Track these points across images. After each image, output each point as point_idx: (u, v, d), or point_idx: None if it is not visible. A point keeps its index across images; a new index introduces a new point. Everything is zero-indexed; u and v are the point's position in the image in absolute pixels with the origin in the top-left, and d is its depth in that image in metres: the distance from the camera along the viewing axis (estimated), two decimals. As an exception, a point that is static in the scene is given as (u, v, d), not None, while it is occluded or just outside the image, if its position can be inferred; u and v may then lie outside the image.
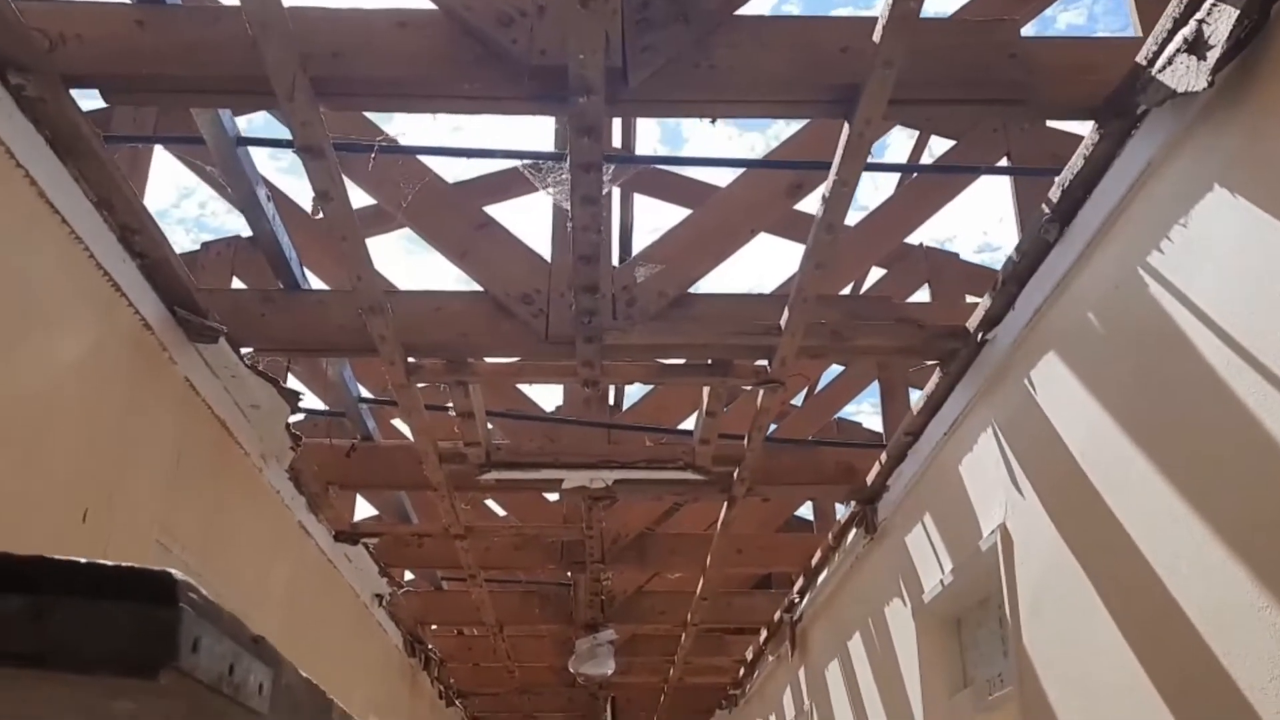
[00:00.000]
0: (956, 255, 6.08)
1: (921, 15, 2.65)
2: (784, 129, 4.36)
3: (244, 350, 4.15)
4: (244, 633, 0.97)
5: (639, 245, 4.67)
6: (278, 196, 4.61)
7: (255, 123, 4.11)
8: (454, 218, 4.35)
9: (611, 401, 6.18)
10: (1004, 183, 4.70)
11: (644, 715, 12.73)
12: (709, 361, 4.45)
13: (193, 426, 4.09)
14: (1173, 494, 2.77)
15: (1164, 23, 2.66)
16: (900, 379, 6.26)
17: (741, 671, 10.35)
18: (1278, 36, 2.32)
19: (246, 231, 4.64)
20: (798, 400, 7.35)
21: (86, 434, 3.29)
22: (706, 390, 4.75)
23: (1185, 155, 2.72)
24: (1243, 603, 2.45)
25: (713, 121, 3.20)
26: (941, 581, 4.67)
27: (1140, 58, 2.76)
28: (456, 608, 8.60)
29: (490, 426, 5.35)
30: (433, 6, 3.11)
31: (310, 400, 5.71)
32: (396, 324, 3.99)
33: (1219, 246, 2.59)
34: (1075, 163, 3.14)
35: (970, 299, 5.43)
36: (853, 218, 4.08)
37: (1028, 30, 3.79)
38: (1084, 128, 3.17)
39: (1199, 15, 2.51)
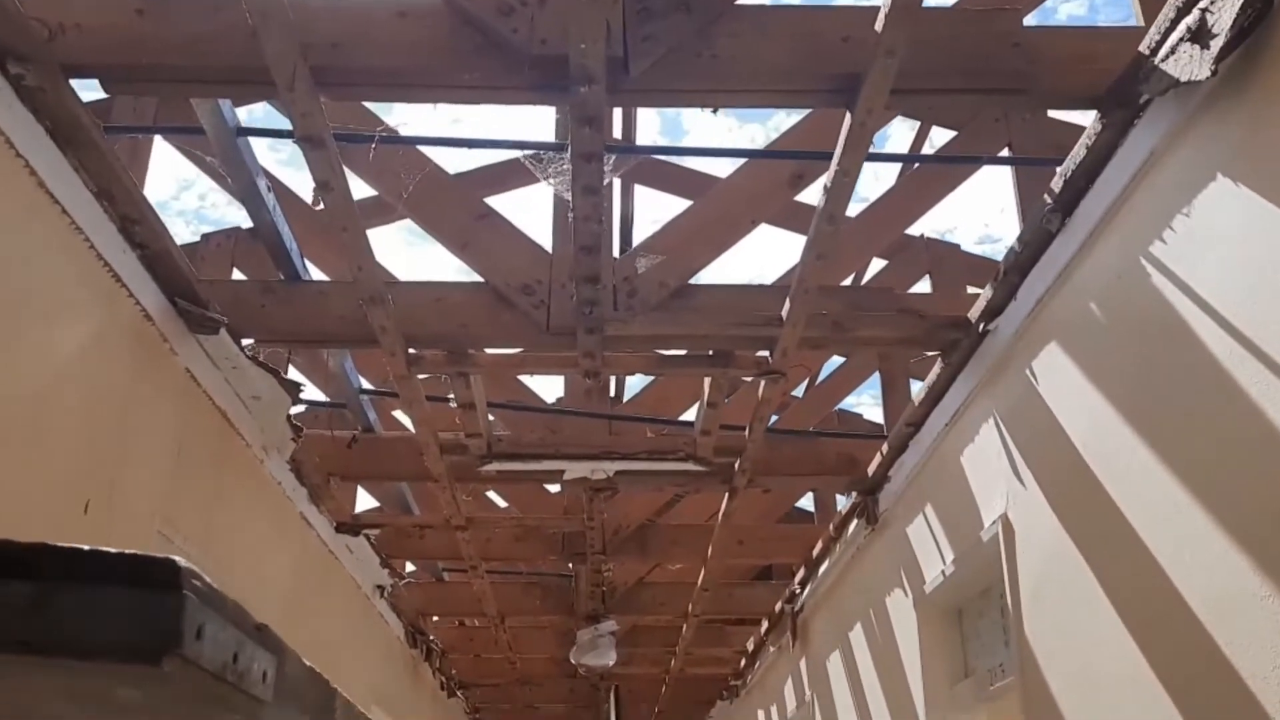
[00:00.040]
0: (958, 246, 6.08)
1: (923, 4, 2.64)
2: (785, 120, 4.35)
3: (245, 341, 4.15)
4: (248, 620, 0.97)
5: (640, 236, 4.66)
6: (278, 187, 4.60)
7: (255, 114, 4.10)
8: (455, 208, 4.34)
9: (612, 393, 6.18)
10: (1005, 174, 4.69)
11: (645, 706, 12.75)
12: (710, 352, 4.45)
13: (194, 418, 4.09)
14: (1175, 484, 2.77)
15: (1167, 11, 2.65)
16: (901, 370, 6.26)
17: (743, 662, 10.36)
18: (1281, 25, 2.32)
19: (247, 223, 4.64)
20: (799, 392, 7.35)
21: (87, 425, 3.29)
22: (707, 381, 4.75)
23: (1188, 145, 2.71)
24: (1245, 592, 2.45)
25: (714, 111, 3.19)
26: (943, 572, 4.67)
27: (1143, 47, 2.76)
28: (458, 599, 8.61)
29: (491, 418, 5.35)
30: (433, -4, 3.11)
31: (311, 392, 5.72)
32: (397, 315, 3.98)
33: (1222, 236, 2.58)
34: (1077, 152, 3.13)
35: (971, 290, 5.42)
36: (854, 209, 4.06)
37: (1029, 20, 3.77)
38: (1086, 118, 3.17)
39: (1202, 4, 2.50)
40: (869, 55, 2.77)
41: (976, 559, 4.30)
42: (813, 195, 4.29)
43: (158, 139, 4.52)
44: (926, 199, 4.91)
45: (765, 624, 8.93)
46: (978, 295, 4.08)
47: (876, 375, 6.53)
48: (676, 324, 4.19)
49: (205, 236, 5.22)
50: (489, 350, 4.50)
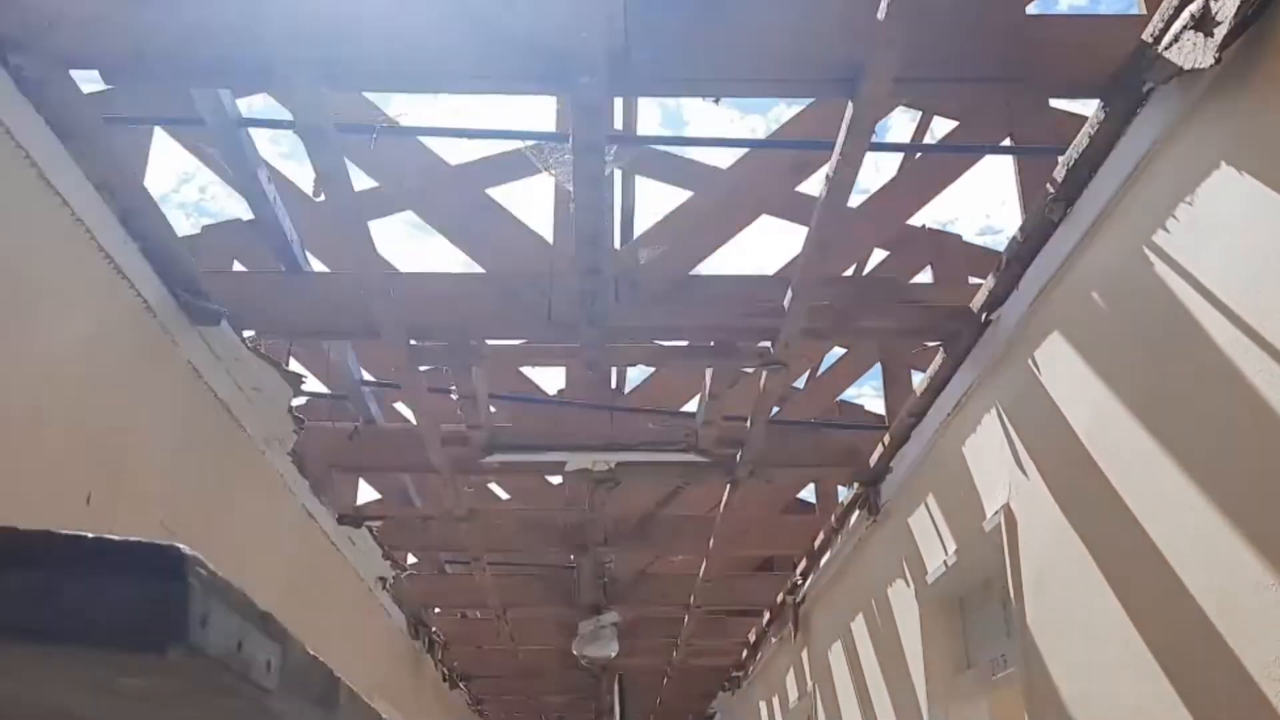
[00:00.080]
0: (959, 237, 6.06)
1: (926, -7, 2.63)
2: (786, 111, 4.33)
3: (246, 333, 4.15)
4: (252, 609, 0.97)
5: (641, 227, 4.66)
6: (279, 179, 4.60)
7: (255, 105, 4.09)
8: (456, 200, 4.34)
9: (614, 384, 6.17)
10: (1005, 166, 4.68)
11: (647, 698, 12.77)
12: (712, 343, 4.44)
13: (195, 409, 4.09)
14: (1178, 473, 2.77)
15: (1170, -1, 2.65)
16: (903, 361, 6.26)
17: (744, 654, 10.38)
18: (1286, 12, 2.31)
19: (248, 215, 4.64)
20: (800, 383, 7.35)
21: (89, 417, 3.28)
22: (709, 372, 4.74)
23: (1191, 133, 2.70)
24: (1248, 582, 2.44)
25: (716, 101, 3.18)
26: (945, 562, 4.67)
27: (1146, 35, 2.75)
28: (460, 591, 8.62)
29: (493, 409, 5.35)
30: (434, -14, 3.09)
31: (313, 383, 5.71)
32: (399, 307, 3.98)
33: (1226, 225, 2.57)
34: (1080, 141, 3.12)
35: (973, 281, 5.41)
36: (855, 200, 4.06)
37: (1031, 9, 3.76)
38: (1088, 108, 3.16)
39: (1206, -9, 2.49)
40: (871, 44, 2.76)
41: (979, 549, 4.30)
42: (814, 186, 4.29)
43: (158, 131, 4.51)
44: (928, 189, 4.91)
45: (767, 615, 8.94)
46: (980, 286, 4.08)
47: (878, 367, 6.53)
48: (678, 315, 4.19)
49: (206, 228, 5.22)
50: (490, 341, 4.49)
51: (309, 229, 4.76)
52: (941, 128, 5.46)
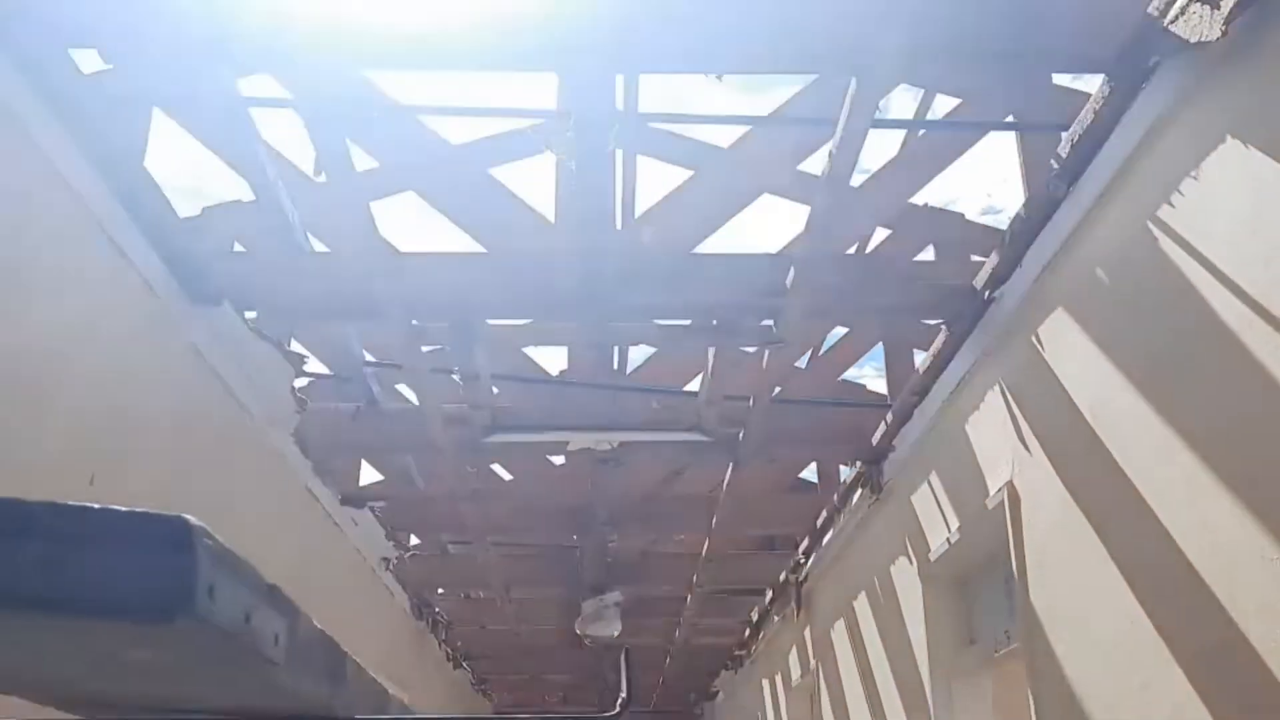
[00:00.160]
0: (961, 215, 6.03)
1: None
2: (788, 90, 4.31)
3: (248, 314, 4.14)
4: (259, 581, 0.97)
5: (643, 207, 4.64)
6: (280, 160, 4.58)
7: (256, 85, 4.06)
8: (458, 180, 4.32)
9: (616, 364, 6.16)
10: (1006, 146, 4.65)
11: (650, 677, 12.80)
12: (714, 322, 4.43)
13: (198, 390, 4.09)
14: (1183, 448, 2.76)
15: (1177, -28, 2.62)
16: (905, 340, 6.24)
17: (747, 633, 10.40)
18: (1293, -16, 2.29)
19: (249, 196, 4.61)
20: (802, 363, 7.33)
21: (92, 397, 3.28)
22: (712, 351, 4.74)
23: (1197, 107, 2.69)
24: (1253, 555, 2.44)
25: (719, 78, 3.16)
26: (948, 540, 4.67)
27: (1152, 8, 2.73)
28: (463, 571, 8.62)
29: (495, 390, 5.34)
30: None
31: (314, 364, 5.70)
32: (401, 287, 3.97)
33: (1231, 199, 2.56)
34: (1084, 117, 3.11)
35: (975, 259, 5.39)
36: (857, 179, 4.04)
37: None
38: (1090, 85, 3.14)
39: (1212, -37, 2.47)
40: (876, 20, 2.75)
41: (982, 526, 4.31)
42: (816, 165, 4.27)
43: (158, 112, 4.49)
44: (930, 168, 4.88)
45: (769, 594, 8.96)
46: (982, 264, 4.07)
47: (880, 347, 6.51)
48: (680, 294, 4.17)
49: (207, 210, 5.20)
50: (493, 321, 4.48)
51: (310, 210, 4.74)
52: (943, 108, 5.43)
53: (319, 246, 4.89)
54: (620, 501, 6.80)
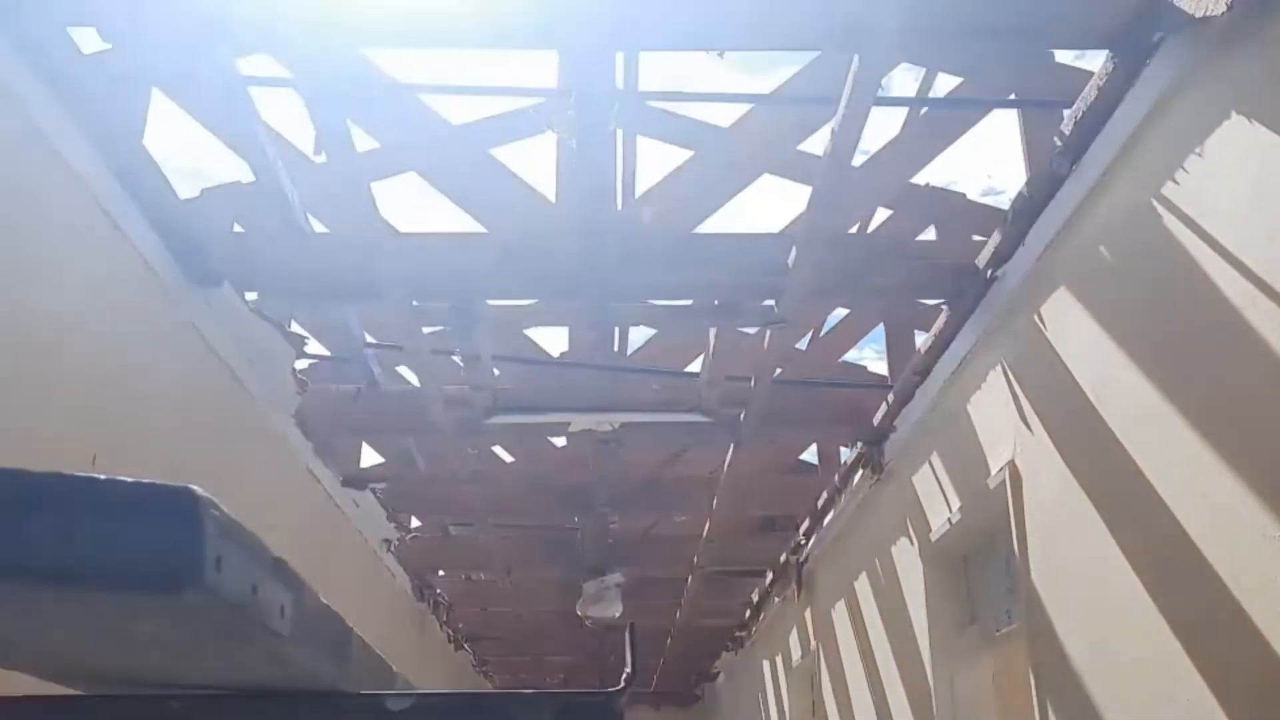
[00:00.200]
0: (963, 195, 6.01)
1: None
2: (789, 70, 4.29)
3: (248, 295, 4.13)
4: (265, 553, 0.97)
5: (644, 187, 4.62)
6: (280, 140, 4.56)
7: (255, 65, 4.04)
8: (459, 160, 4.31)
9: (616, 345, 6.16)
10: (1008, 126, 4.63)
11: (651, 659, 12.85)
12: (715, 302, 4.43)
13: (198, 370, 4.08)
14: (1185, 426, 2.76)
15: (1181, -54, 2.61)
16: (906, 320, 6.23)
17: (748, 614, 10.43)
18: (1299, -42, 2.28)
19: (248, 177, 4.60)
20: (803, 344, 7.32)
21: (92, 377, 3.28)
22: (713, 332, 4.73)
23: (1202, 83, 2.67)
24: (1256, 533, 2.44)
25: (721, 55, 3.14)
26: (949, 520, 4.68)
27: (1156, -17, 2.71)
28: (464, 553, 8.64)
29: (496, 371, 5.34)
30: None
31: (315, 346, 5.70)
32: (401, 268, 3.96)
33: (1236, 176, 2.55)
34: (1088, 94, 3.09)
35: (977, 239, 5.38)
36: (858, 159, 4.03)
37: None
38: (1093, 63, 3.12)
39: (1218, -63, 2.46)
40: (878, -5, 2.73)
41: (983, 506, 4.31)
42: (817, 145, 4.24)
43: (157, 93, 4.47)
44: (932, 147, 4.86)
45: (770, 575, 8.98)
46: (984, 244, 4.06)
47: (880, 328, 6.50)
48: (681, 274, 4.16)
49: (206, 190, 5.18)
50: (494, 302, 4.47)
51: (310, 191, 4.72)
52: (944, 87, 5.40)
53: (319, 227, 4.87)
54: (621, 483, 6.81)
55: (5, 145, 2.76)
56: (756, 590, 9.68)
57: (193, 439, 4.01)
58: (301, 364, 4.87)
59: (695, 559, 8.27)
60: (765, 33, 3.04)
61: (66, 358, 3.12)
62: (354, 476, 6.37)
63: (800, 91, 4.24)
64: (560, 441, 6.83)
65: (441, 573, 9.29)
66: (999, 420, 4.05)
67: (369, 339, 5.81)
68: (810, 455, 8.56)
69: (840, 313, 6.82)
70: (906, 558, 5.41)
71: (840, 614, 6.95)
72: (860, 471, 6.03)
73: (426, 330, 4.56)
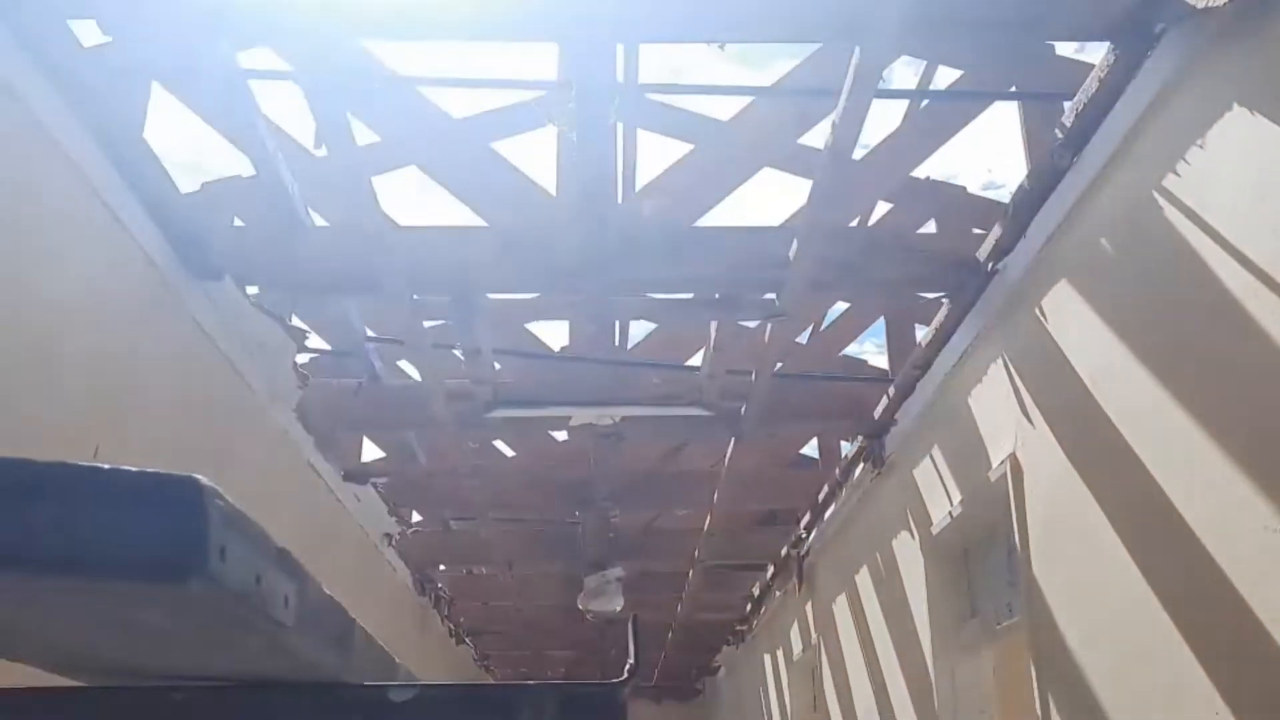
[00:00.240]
0: (964, 188, 6.01)
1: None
2: (789, 63, 4.28)
3: (249, 289, 4.13)
4: (269, 544, 0.97)
5: (644, 179, 4.61)
6: (280, 134, 4.55)
7: (256, 58, 4.04)
8: (460, 153, 4.30)
9: (617, 339, 6.16)
10: (1008, 119, 4.63)
11: (652, 653, 12.86)
12: (716, 296, 4.42)
13: (200, 364, 4.08)
14: (1187, 419, 2.76)
15: (1183, -63, 2.60)
16: (906, 314, 6.23)
17: (748, 608, 10.44)
18: (1301, -51, 2.27)
19: (249, 171, 4.59)
20: (804, 338, 7.32)
21: (95, 370, 3.28)
22: (714, 325, 4.73)
23: (1204, 75, 2.67)
24: (1256, 525, 2.44)
25: (721, 47, 3.14)
26: (950, 513, 4.68)
27: (1158, -25, 2.71)
28: (465, 547, 8.65)
29: (497, 365, 5.34)
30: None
31: (316, 340, 5.70)
32: (402, 261, 3.96)
33: (1238, 168, 2.55)
34: (1089, 86, 3.09)
35: (978, 232, 5.37)
36: (858, 152, 4.02)
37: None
38: (1094, 56, 3.12)
39: (1220, -71, 2.45)
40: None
41: (984, 499, 4.31)
42: (817, 138, 4.24)
43: (157, 86, 4.46)
44: (932, 140, 4.85)
45: (771, 569, 8.98)
46: (985, 236, 4.05)
47: (880, 323, 6.50)
48: (682, 267, 4.16)
49: (206, 184, 5.17)
50: (494, 296, 4.47)
51: (311, 184, 4.71)
52: (944, 80, 5.40)
53: (320, 221, 4.87)
54: (622, 477, 6.81)
55: (5, 138, 2.76)
56: (757, 584, 9.68)
57: (194, 433, 4.01)
58: (302, 358, 4.87)
59: (696, 553, 8.28)
60: (766, 25, 3.03)
61: (68, 350, 3.12)
62: (355, 471, 6.38)
63: (800, 84, 4.23)
64: (561, 435, 6.83)
65: (442, 567, 9.30)
66: (1000, 413, 4.05)
67: (370, 333, 5.81)
68: (811, 449, 8.55)
69: (841, 306, 6.82)
70: (907, 551, 5.42)
71: (841, 607, 6.96)
72: (861, 465, 6.03)
73: (427, 324, 4.55)
